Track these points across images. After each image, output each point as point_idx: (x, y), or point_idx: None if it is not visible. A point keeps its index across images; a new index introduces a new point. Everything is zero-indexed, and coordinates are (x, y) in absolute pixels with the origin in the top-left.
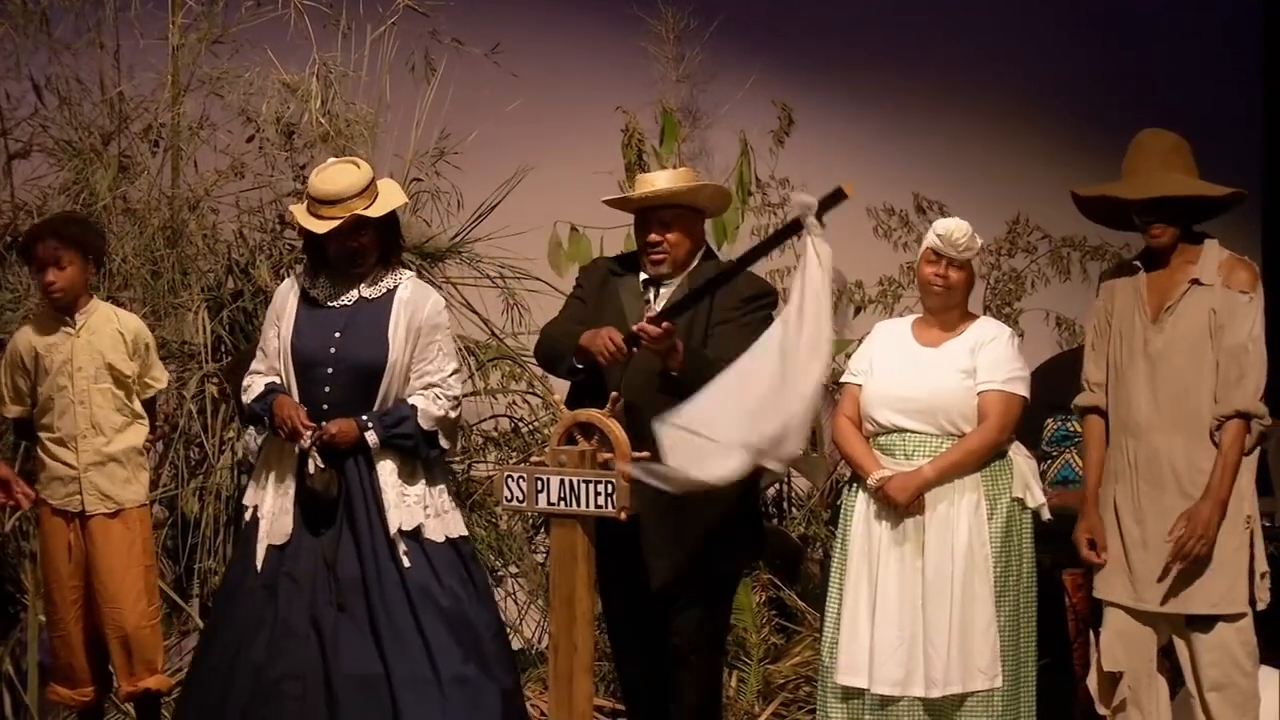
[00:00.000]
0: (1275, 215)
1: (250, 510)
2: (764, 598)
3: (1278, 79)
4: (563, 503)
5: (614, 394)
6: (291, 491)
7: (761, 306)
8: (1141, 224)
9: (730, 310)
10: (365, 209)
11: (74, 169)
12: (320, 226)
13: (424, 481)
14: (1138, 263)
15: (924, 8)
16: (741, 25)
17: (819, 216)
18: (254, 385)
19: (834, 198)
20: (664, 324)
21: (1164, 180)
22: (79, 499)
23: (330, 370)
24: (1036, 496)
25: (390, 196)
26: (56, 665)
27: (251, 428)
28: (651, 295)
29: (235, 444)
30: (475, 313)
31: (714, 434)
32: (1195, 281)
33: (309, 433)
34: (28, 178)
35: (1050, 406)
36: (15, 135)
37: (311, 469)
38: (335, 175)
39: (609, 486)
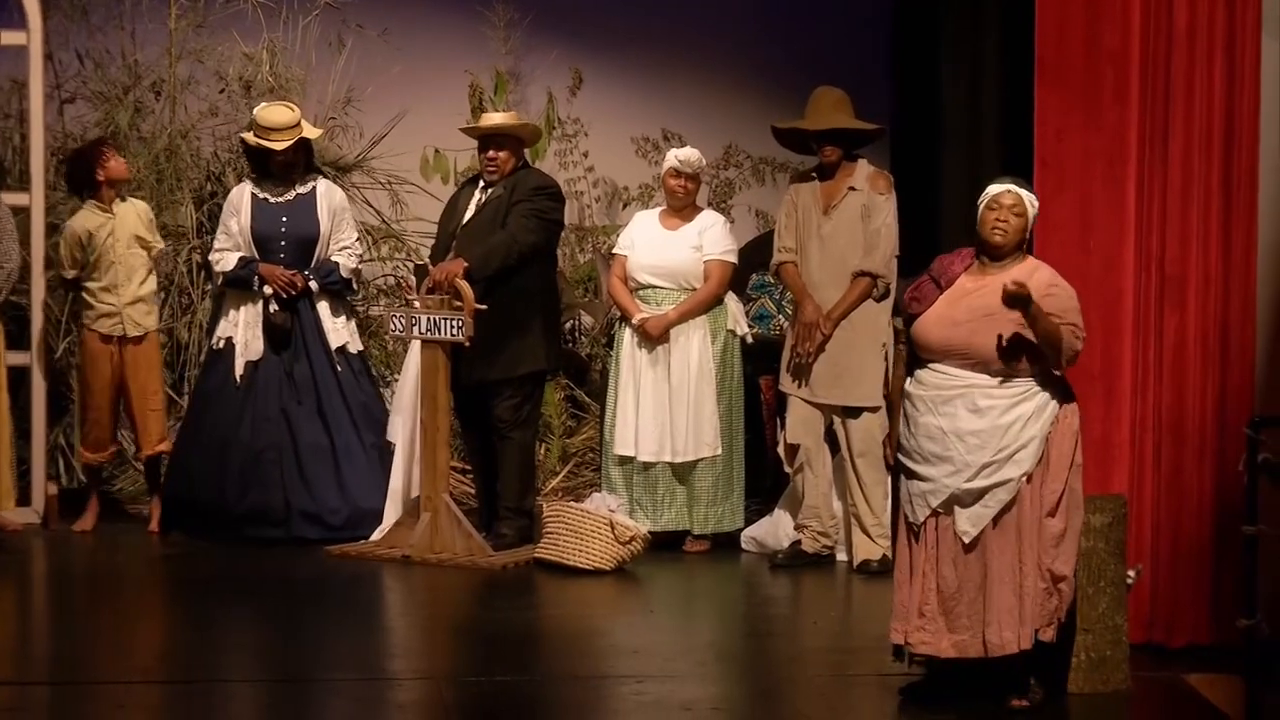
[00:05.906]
0: (901, 140)
1: (224, 340)
2: (562, 395)
3: (902, 38)
4: (429, 333)
5: (463, 262)
6: (259, 325)
7: (546, 194)
8: (818, 148)
9: (523, 195)
10: (304, 134)
11: (104, 110)
12: (279, 145)
13: (345, 315)
14: (814, 174)
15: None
16: (548, 17)
17: None
18: (225, 258)
19: None
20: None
21: (833, 118)
22: (121, 326)
23: (282, 243)
24: (743, 328)
25: (310, 129)
26: (87, 438)
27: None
28: (478, 192)
29: (209, 294)
30: (371, 206)
31: None
32: (852, 188)
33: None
34: (73, 117)
35: (754, 265)
36: (66, 88)
37: (272, 309)
38: (281, 112)
39: (460, 322)
